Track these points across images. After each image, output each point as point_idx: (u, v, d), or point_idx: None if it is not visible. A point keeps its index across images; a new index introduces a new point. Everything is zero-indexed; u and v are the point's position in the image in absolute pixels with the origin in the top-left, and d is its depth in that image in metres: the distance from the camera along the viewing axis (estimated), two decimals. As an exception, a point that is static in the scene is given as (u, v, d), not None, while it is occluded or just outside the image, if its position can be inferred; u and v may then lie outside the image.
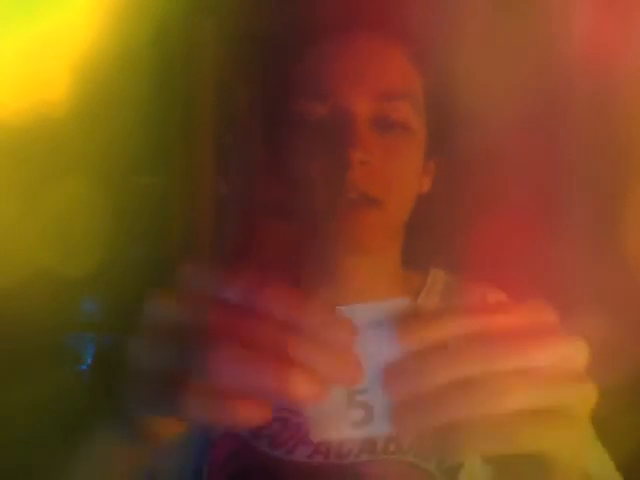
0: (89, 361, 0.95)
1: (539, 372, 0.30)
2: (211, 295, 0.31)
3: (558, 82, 0.74)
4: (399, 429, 0.30)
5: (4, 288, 0.70)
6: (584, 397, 0.31)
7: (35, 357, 0.81)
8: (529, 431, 0.30)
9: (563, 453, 0.31)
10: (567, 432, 0.31)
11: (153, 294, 0.33)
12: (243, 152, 0.58)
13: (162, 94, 0.91)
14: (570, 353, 0.31)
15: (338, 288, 0.59)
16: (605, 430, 0.52)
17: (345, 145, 0.51)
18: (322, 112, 0.53)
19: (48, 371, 0.81)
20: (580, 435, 0.33)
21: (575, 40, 0.68)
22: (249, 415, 0.28)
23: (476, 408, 0.29)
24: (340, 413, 0.30)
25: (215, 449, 0.53)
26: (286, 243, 0.59)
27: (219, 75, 0.88)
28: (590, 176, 0.74)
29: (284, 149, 0.56)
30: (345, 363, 0.29)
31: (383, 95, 0.53)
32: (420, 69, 0.57)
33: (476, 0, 0.65)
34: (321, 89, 0.53)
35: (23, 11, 0.67)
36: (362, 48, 0.55)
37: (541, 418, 0.30)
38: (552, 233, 0.73)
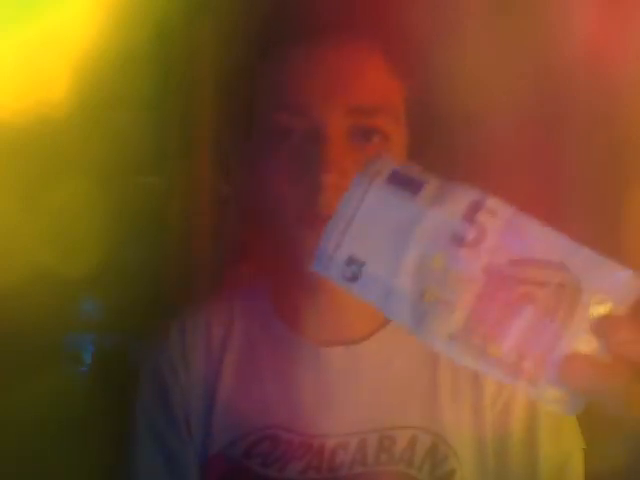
0: (89, 361, 0.95)
1: None
2: None
3: (549, 88, 0.73)
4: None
5: (4, 288, 0.70)
6: None
7: (35, 357, 0.81)
8: None
9: None
10: None
11: None
12: (240, 152, 0.57)
13: (162, 94, 0.91)
14: None
15: (325, 295, 0.55)
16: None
17: (318, 169, 0.48)
18: (296, 125, 0.50)
19: (48, 371, 0.81)
20: None
21: (564, 43, 0.68)
22: None
23: None
24: None
25: (208, 470, 0.53)
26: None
27: (220, 75, 0.88)
28: (592, 180, 0.74)
29: (258, 158, 0.53)
30: None
31: (359, 109, 0.50)
32: (402, 79, 0.54)
33: (462, 7, 0.64)
34: (294, 101, 0.50)
35: (23, 11, 0.67)
36: (340, 58, 0.50)
37: None
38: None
